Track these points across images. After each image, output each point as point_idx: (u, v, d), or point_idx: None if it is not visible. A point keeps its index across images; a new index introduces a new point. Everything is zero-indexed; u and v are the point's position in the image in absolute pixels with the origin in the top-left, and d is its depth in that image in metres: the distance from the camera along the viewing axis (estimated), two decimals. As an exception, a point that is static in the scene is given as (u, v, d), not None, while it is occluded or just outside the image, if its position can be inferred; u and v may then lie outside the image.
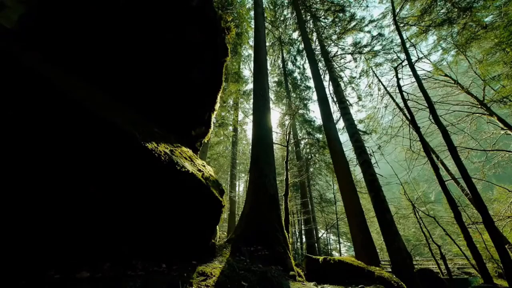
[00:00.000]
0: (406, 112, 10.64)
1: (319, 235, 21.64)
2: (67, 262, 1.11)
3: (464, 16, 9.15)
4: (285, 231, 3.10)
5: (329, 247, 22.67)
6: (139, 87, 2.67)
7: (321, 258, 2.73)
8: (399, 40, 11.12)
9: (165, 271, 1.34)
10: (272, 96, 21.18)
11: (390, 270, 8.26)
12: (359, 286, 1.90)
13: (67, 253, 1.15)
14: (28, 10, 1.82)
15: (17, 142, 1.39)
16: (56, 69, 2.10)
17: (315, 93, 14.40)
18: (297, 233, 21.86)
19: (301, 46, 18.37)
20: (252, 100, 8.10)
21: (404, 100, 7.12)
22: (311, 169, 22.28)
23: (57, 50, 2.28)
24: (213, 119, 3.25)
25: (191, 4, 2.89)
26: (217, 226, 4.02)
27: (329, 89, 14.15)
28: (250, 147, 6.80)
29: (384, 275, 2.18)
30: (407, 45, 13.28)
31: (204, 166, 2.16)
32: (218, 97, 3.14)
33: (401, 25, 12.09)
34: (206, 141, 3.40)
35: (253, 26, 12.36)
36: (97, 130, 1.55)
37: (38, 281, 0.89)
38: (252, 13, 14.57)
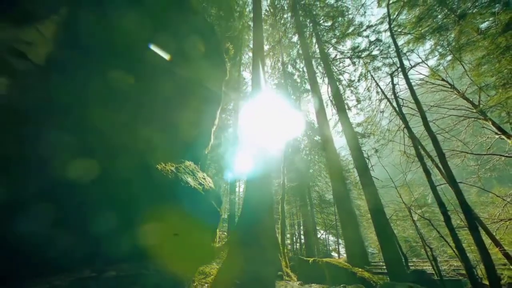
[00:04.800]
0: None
1: (318, 235, 21.81)
2: (94, 263, 1.39)
3: (459, 23, 9.35)
4: (277, 236, 3.37)
5: (328, 247, 22.84)
6: (150, 108, 2.96)
7: (311, 259, 2.99)
8: (396, 46, 11.30)
9: (172, 270, 1.61)
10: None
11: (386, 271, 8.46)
12: (341, 285, 2.14)
13: (94, 255, 1.43)
14: (55, 46, 2.12)
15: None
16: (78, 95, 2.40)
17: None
18: (297, 234, 22.04)
19: (301, 51, 18.59)
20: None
21: (399, 107, 7.34)
22: (311, 171, 22.45)
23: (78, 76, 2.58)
24: (213, 132, 3.53)
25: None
26: (217, 229, 4.28)
27: (328, 92, 14.36)
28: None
29: (365, 275, 2.43)
30: (405, 50, 13.43)
31: (204, 178, 2.44)
32: (218, 113, 3.42)
33: (399, 30, 12.28)
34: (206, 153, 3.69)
35: (252, 29, 12.60)
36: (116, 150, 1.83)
37: (81, 278, 1.17)
38: (251, 15, 14.80)
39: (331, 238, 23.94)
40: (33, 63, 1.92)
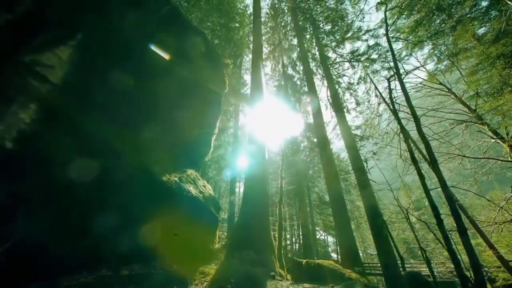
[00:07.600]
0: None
1: (318, 236, 21.91)
2: (110, 263, 1.59)
3: (457, 29, 9.49)
4: (272, 238, 3.56)
5: (327, 248, 22.95)
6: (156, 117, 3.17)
7: (304, 261, 3.18)
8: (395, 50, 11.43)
9: (176, 270, 1.82)
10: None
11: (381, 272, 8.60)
12: (330, 285, 2.31)
13: (108, 256, 1.64)
14: (69, 67, 2.33)
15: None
16: (84, 111, 2.61)
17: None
18: (296, 235, 22.15)
19: (301, 54, 18.72)
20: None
21: (395, 112, 7.50)
22: (311, 172, 22.57)
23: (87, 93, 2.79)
24: (213, 140, 3.74)
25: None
26: (216, 233, 4.48)
27: (327, 95, 14.51)
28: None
29: (352, 276, 2.61)
30: (403, 53, 13.54)
31: (204, 186, 2.64)
32: (217, 123, 3.64)
33: (397, 35, 12.42)
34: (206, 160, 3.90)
35: (252, 33, 12.79)
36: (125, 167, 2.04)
37: (101, 275, 1.37)
38: (252, 18, 14.96)
39: (330, 239, 24.05)
40: (53, 84, 2.14)
